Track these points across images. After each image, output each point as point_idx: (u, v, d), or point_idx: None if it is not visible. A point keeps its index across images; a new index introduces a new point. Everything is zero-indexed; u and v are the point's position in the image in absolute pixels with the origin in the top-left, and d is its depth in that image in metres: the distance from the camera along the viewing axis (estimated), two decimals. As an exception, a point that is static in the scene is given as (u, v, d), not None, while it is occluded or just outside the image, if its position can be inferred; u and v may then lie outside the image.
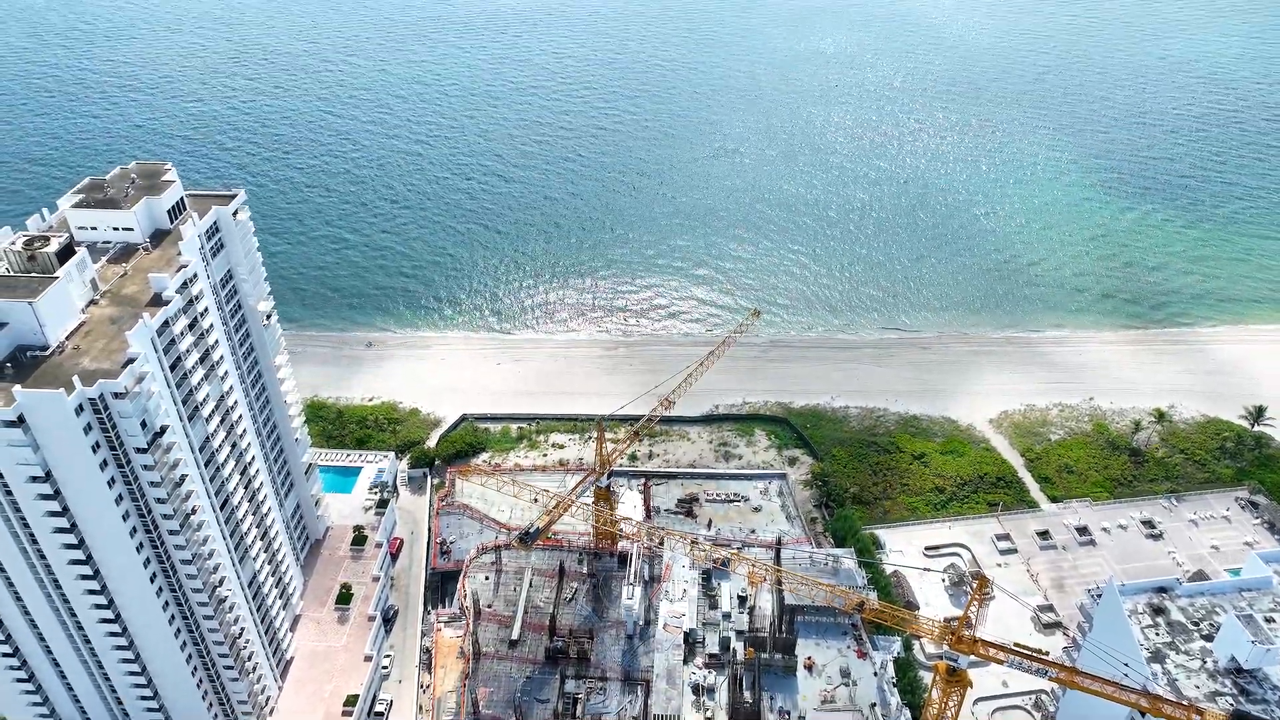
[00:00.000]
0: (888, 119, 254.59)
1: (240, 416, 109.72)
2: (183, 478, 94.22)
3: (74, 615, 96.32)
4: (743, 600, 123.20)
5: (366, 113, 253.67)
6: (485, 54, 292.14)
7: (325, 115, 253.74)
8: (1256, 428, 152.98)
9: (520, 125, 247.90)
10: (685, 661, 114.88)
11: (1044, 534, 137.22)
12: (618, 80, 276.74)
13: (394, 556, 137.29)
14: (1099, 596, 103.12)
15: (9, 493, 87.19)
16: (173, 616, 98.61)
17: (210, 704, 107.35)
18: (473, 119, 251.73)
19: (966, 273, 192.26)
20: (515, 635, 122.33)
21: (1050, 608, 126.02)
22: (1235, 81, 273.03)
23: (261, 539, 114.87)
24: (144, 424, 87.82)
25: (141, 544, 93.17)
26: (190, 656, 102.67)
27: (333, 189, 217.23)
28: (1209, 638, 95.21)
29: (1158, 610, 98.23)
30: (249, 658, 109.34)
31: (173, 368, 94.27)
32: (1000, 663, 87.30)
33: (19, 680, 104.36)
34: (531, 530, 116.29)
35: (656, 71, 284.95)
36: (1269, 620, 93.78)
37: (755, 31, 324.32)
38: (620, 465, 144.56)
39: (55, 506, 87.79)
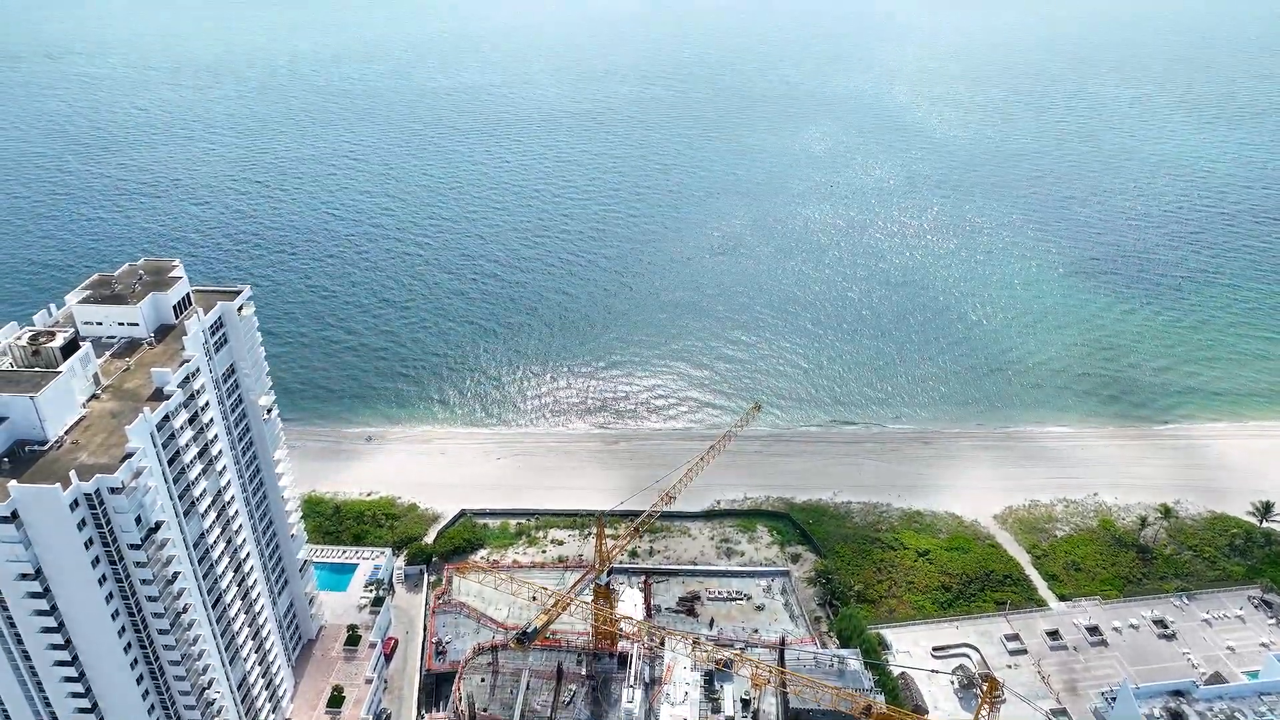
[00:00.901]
0: (879, 217, 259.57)
1: (236, 512, 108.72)
2: (175, 575, 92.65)
3: (53, 715, 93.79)
4: (746, 704, 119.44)
5: (369, 214, 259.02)
6: (487, 157, 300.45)
7: (328, 217, 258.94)
8: (1264, 524, 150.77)
9: (519, 225, 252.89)
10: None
11: (1054, 634, 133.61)
12: (615, 181, 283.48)
13: (388, 657, 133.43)
14: (1114, 700, 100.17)
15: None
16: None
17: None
18: (472, 220, 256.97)
19: (964, 368, 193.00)
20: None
21: (1063, 711, 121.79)
22: (1224, 184, 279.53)
23: (253, 639, 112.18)
24: (139, 520, 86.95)
25: (129, 644, 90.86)
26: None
27: (333, 289, 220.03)
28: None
29: (1175, 715, 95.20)
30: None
31: (171, 462, 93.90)
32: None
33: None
34: (529, 630, 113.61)
35: (653, 172, 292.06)
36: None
37: (748, 130, 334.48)
38: (620, 562, 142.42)
39: (43, 605, 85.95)
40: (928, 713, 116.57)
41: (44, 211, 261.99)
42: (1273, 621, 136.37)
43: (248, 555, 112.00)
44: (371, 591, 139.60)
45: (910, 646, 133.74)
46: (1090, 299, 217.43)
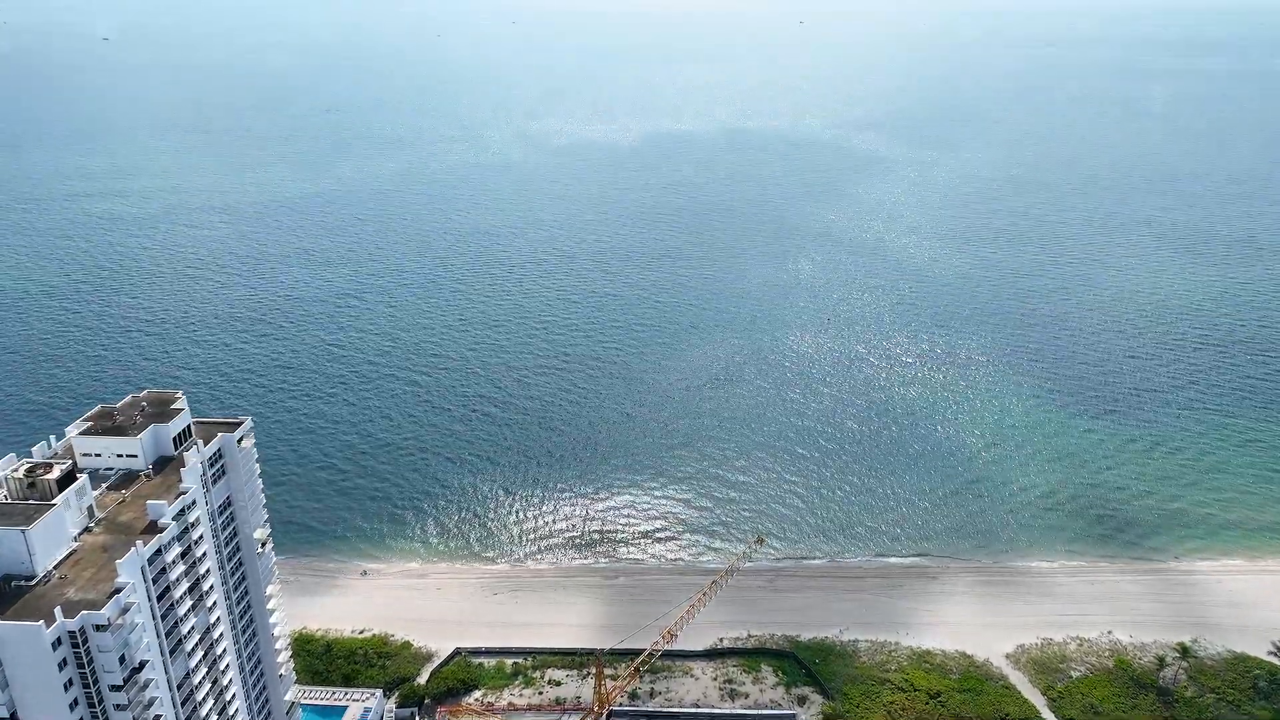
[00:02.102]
0: (872, 348, 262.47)
1: (224, 650, 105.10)
2: (156, 719, 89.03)
3: None
4: None
5: (368, 350, 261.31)
6: (487, 293, 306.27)
7: (330, 348, 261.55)
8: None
9: (517, 361, 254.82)
10: None
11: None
12: (612, 315, 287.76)
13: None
14: None
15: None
16: None
17: None
18: (470, 355, 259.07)
19: (964, 500, 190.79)
20: None
21: None
22: (1216, 317, 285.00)
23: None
24: (123, 659, 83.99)
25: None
26: None
27: (331, 424, 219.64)
28: None
29: None
30: None
31: (160, 598, 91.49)
32: None
33: None
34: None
35: (650, 306, 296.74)
36: None
37: (741, 262, 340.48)
38: (620, 704, 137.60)
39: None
40: None
41: (52, 346, 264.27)
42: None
43: (233, 697, 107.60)
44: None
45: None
46: (1089, 431, 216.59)
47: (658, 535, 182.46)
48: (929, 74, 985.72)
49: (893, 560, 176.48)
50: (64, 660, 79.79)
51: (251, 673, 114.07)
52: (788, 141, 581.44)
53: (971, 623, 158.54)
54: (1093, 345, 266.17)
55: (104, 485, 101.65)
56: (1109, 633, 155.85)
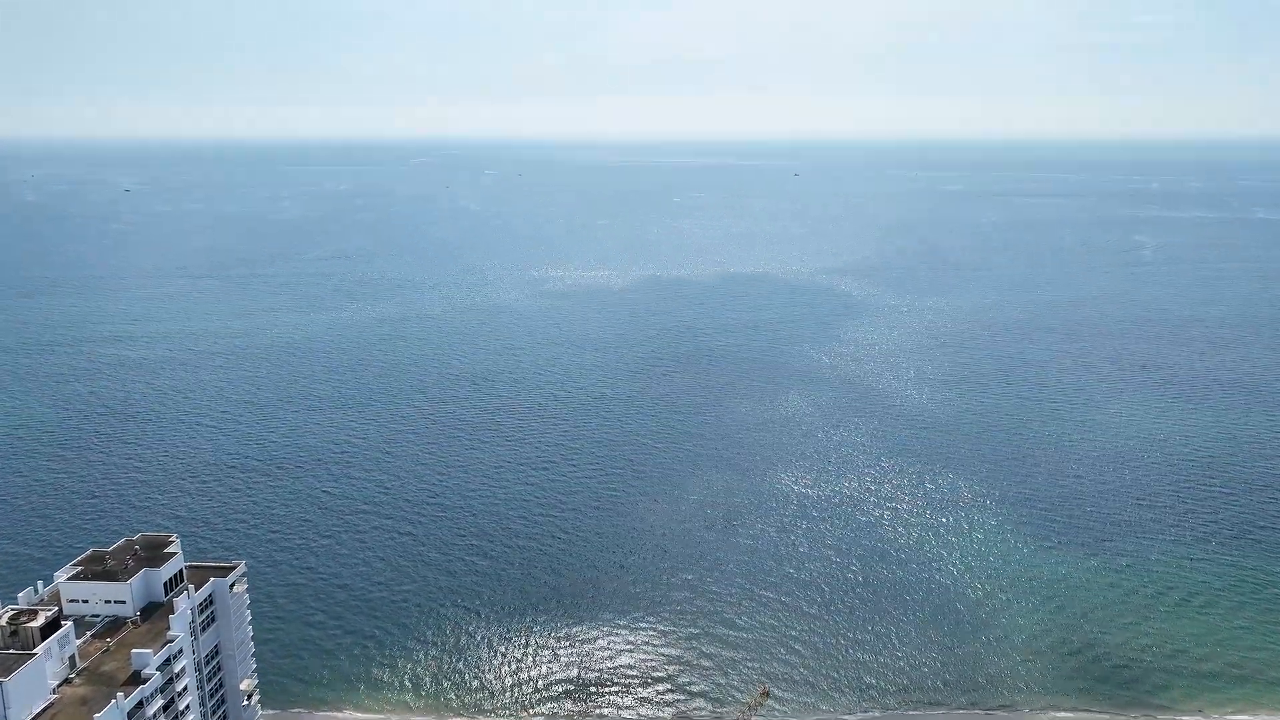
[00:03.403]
0: (869, 491, 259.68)
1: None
2: None
3: None
4: None
5: (364, 494, 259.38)
6: (485, 438, 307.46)
7: (325, 494, 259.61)
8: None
9: (514, 506, 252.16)
10: None
11: None
12: (609, 459, 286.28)
13: None
14: None
15: None
16: None
17: None
18: (467, 498, 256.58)
19: (970, 651, 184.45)
20: None
21: None
22: (1221, 464, 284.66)
23: None
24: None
25: None
26: None
27: (323, 570, 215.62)
28: None
29: None
30: None
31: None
32: None
33: None
34: None
35: (646, 449, 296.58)
36: None
37: (735, 400, 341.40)
38: None
39: None
40: None
41: (46, 488, 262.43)
42: None
43: None
44: None
45: None
46: (1094, 576, 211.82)
47: (657, 687, 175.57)
48: (918, 222, 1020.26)
49: (908, 713, 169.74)
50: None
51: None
52: (780, 287, 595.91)
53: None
54: (1093, 488, 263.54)
55: (89, 633, 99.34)
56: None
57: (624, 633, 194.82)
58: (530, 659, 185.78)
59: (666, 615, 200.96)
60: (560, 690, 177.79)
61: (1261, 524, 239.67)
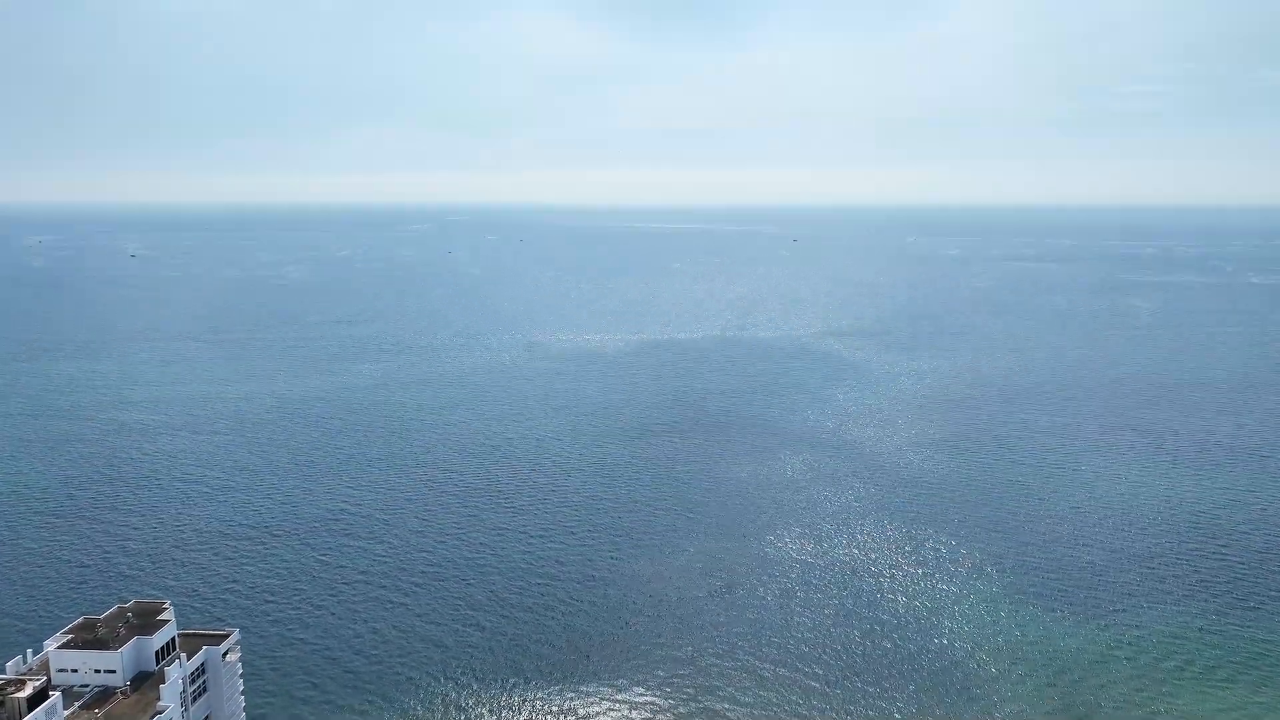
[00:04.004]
0: (869, 556, 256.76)
1: None
2: None
3: None
4: None
5: (358, 562, 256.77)
6: (480, 504, 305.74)
7: (322, 560, 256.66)
8: None
9: (508, 573, 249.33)
10: None
11: None
12: (605, 523, 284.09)
13: None
14: None
15: None
16: None
17: None
18: (461, 566, 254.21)
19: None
20: None
21: None
22: (1228, 530, 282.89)
23: None
24: None
25: None
26: None
27: (314, 640, 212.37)
28: None
29: None
30: None
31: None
32: None
33: None
34: None
35: (643, 513, 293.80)
36: None
37: (730, 463, 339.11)
38: None
39: None
40: None
41: (38, 554, 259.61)
42: None
43: None
44: None
45: None
46: (1101, 648, 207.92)
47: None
48: (912, 285, 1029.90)
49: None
50: None
51: None
52: (778, 349, 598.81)
53: None
54: (1096, 554, 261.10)
55: (78, 704, 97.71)
56: None
57: (622, 708, 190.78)
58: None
59: (664, 689, 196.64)
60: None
61: (1276, 595, 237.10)
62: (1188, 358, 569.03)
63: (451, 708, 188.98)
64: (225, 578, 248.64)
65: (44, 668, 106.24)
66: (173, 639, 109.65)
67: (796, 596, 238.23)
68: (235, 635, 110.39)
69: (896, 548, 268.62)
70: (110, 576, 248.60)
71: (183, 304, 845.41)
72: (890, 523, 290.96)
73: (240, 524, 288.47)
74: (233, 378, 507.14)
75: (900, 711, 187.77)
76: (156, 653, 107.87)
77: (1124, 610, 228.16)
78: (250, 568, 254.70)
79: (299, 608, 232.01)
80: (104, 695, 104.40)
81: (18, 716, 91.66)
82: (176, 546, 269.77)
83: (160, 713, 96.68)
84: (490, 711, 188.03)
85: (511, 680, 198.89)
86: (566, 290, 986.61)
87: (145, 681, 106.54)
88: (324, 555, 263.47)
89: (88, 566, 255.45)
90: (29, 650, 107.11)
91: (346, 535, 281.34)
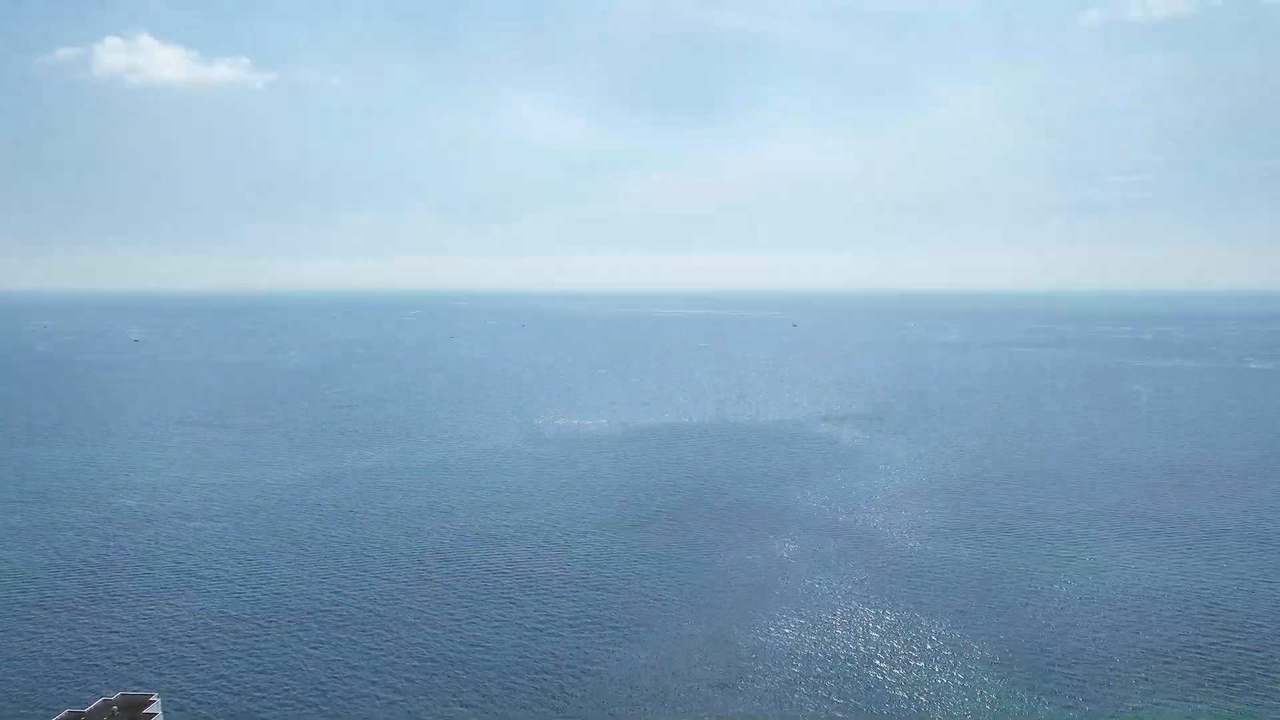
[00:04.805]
0: (873, 645, 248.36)
1: None
2: None
3: None
4: None
5: (348, 659, 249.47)
6: (472, 594, 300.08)
7: (310, 654, 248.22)
8: None
9: (503, 668, 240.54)
10: None
11: None
12: (604, 615, 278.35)
13: None
14: None
15: None
16: None
17: None
18: (452, 661, 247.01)
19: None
20: None
21: None
22: (1238, 618, 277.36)
23: None
24: None
25: None
26: None
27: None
28: None
29: None
30: None
31: None
32: None
33: None
34: None
35: (644, 601, 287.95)
36: None
37: (725, 548, 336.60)
38: None
39: None
40: None
41: (22, 646, 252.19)
42: None
43: None
44: None
45: None
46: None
47: None
48: (912, 370, 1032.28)
49: None
50: None
51: None
52: (776, 434, 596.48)
53: None
54: (1107, 646, 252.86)
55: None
56: None
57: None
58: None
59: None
60: None
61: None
62: (1191, 442, 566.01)
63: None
64: (213, 672, 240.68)
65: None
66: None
67: (799, 688, 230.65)
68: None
69: (900, 638, 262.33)
70: (95, 668, 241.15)
71: (183, 388, 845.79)
72: (893, 611, 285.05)
73: (230, 614, 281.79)
74: (229, 463, 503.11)
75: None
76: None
77: (1142, 707, 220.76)
78: (239, 661, 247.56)
79: (287, 704, 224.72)
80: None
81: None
82: (163, 638, 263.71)
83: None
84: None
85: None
86: (565, 375, 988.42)
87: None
88: (314, 648, 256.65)
89: (70, 660, 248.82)
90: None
91: (338, 628, 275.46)
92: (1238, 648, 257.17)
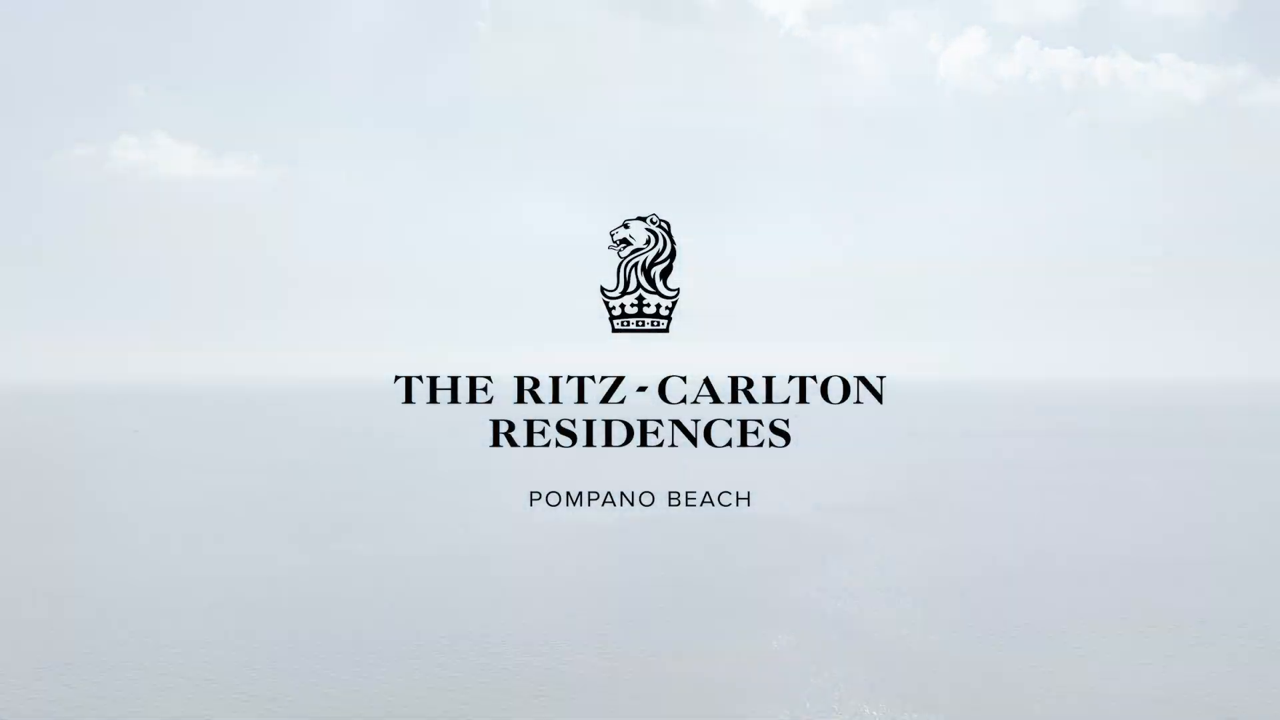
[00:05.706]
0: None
1: None
2: None
3: None
4: None
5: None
6: (477, 696, 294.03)
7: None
8: None
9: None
10: None
11: None
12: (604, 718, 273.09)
13: None
14: None
15: None
16: None
17: None
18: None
19: None
20: None
21: None
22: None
23: None
24: None
25: None
26: None
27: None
28: None
29: None
30: None
31: None
32: None
33: None
34: None
35: (648, 700, 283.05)
36: None
37: (729, 641, 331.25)
38: None
39: None
40: None
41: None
42: None
43: None
44: None
45: None
46: None
47: None
48: (915, 463, 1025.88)
49: None
50: None
51: None
52: (773, 526, 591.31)
53: None
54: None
55: None
56: None
57: None
58: None
59: None
60: None
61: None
62: (1202, 534, 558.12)
63: None
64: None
65: None
66: None
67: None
68: None
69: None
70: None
71: (180, 481, 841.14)
72: (903, 714, 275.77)
73: (227, 680, 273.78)
74: (224, 560, 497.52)
75: None
76: None
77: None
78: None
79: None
80: None
81: None
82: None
83: None
84: None
85: None
86: (564, 461, 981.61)
87: None
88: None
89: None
90: None
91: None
92: None
